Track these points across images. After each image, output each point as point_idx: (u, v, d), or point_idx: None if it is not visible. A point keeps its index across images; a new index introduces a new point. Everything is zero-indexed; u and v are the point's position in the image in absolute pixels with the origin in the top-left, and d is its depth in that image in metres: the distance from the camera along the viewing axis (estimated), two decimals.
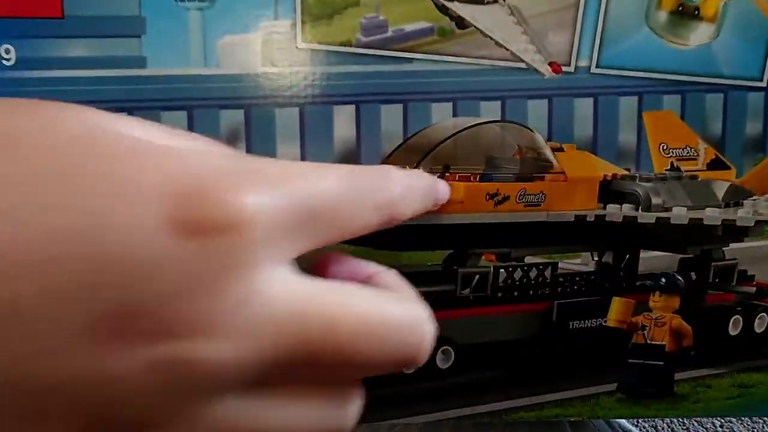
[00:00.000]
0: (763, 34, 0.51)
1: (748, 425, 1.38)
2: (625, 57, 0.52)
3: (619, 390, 0.56)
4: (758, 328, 0.57)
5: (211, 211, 0.19)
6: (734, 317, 0.56)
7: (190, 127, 0.52)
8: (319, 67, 0.51)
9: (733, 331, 0.56)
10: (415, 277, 0.57)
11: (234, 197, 0.19)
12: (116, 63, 0.50)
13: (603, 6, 0.51)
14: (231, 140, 0.52)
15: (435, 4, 0.51)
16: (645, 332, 0.55)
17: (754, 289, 0.56)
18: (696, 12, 0.51)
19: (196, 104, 0.51)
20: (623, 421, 0.63)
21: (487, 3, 0.51)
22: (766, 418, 1.34)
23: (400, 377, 0.55)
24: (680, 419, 1.47)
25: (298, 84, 0.51)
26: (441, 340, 0.55)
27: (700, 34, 0.51)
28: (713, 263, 0.55)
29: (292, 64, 0.51)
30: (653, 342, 0.56)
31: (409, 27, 0.51)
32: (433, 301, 0.55)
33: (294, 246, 0.22)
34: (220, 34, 0.50)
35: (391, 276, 0.30)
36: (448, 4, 0.50)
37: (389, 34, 0.51)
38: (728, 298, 0.56)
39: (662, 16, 0.51)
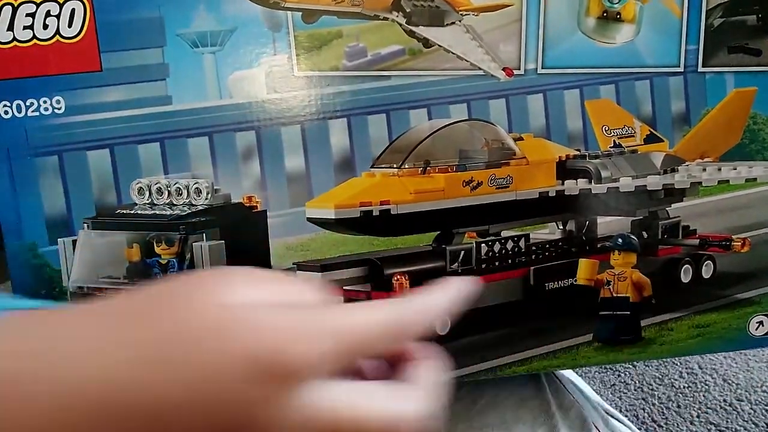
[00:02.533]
0: (675, 29, 0.59)
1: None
2: (565, 58, 0.59)
3: (594, 339, 0.62)
4: (705, 274, 0.63)
5: (274, 368, 0.25)
6: (684, 267, 0.63)
7: (212, 149, 0.59)
8: (314, 90, 0.58)
9: (684, 278, 0.63)
10: (411, 257, 0.64)
11: (292, 351, 0.25)
12: (147, 103, 0.58)
13: (542, 17, 0.58)
14: (246, 156, 0.59)
15: (404, 30, 0.58)
16: (610, 287, 0.62)
17: (698, 241, 0.62)
18: (618, 16, 0.59)
19: (215, 130, 0.58)
20: (602, 402, 0.68)
21: (447, 25, 0.58)
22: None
23: None
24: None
25: (298, 106, 0.58)
26: None
27: (624, 34, 0.59)
28: (660, 222, 0.62)
29: (292, 90, 0.58)
30: (619, 295, 0.62)
31: (384, 50, 0.58)
32: (429, 276, 0.61)
33: (334, 368, 0.27)
34: (230, 71, 0.58)
35: (425, 368, 0.31)
36: (415, 29, 0.58)
37: (369, 57, 0.58)
38: (676, 251, 0.63)
39: (591, 21, 0.59)
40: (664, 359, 1.44)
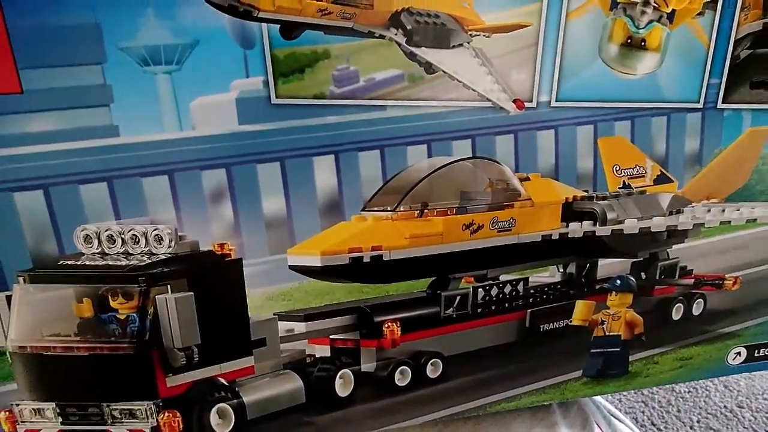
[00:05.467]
0: (700, 60, 0.33)
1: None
2: (581, 90, 0.33)
3: (584, 375, 0.39)
4: (695, 311, 0.40)
5: None
6: (676, 305, 0.39)
7: (173, 190, 0.31)
8: (296, 121, 0.31)
9: (675, 316, 0.39)
10: (403, 304, 0.39)
11: None
12: (87, 134, 0.29)
13: (560, 42, 0.31)
14: (216, 198, 0.31)
15: (404, 52, 0.31)
16: (604, 326, 0.38)
17: (693, 281, 0.38)
18: (643, 43, 0.32)
19: (176, 168, 0.30)
20: (604, 402, 0.45)
21: (453, 47, 0.31)
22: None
23: (398, 390, 0.36)
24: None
25: (277, 139, 0.31)
26: (430, 355, 0.37)
27: (646, 64, 0.33)
28: (659, 263, 0.38)
29: (269, 120, 0.30)
30: (611, 333, 0.38)
31: (379, 75, 0.31)
32: (422, 323, 0.36)
33: None
34: (191, 96, 0.29)
35: None
36: (416, 51, 0.30)
37: (361, 83, 0.31)
38: (671, 290, 0.39)
39: (613, 48, 0.32)
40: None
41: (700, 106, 0.35)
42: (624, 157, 0.35)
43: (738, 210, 0.37)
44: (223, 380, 0.34)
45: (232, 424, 0.34)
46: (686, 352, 0.40)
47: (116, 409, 0.33)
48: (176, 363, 0.33)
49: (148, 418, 0.33)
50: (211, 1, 0.28)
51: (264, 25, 0.30)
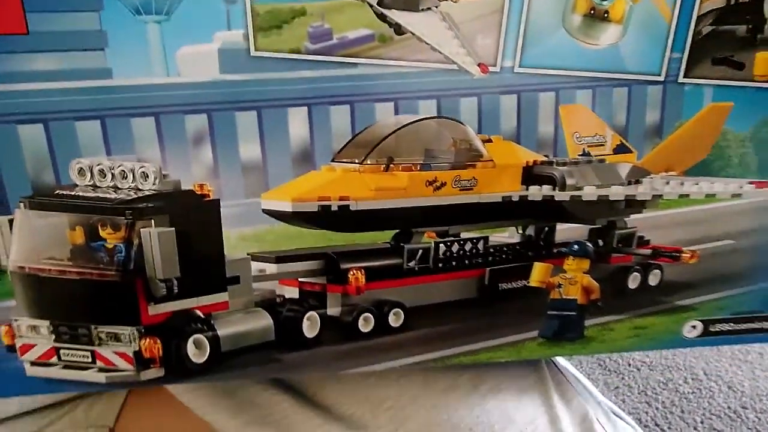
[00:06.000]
0: (663, 34, 0.34)
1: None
2: (544, 57, 0.34)
3: (540, 336, 0.39)
4: (652, 281, 0.40)
5: None
6: (633, 274, 0.40)
7: (158, 132, 0.33)
8: (273, 73, 0.32)
9: (632, 285, 0.40)
10: (368, 253, 0.40)
11: None
12: (83, 75, 0.31)
13: (525, 10, 0.32)
14: (197, 141, 0.33)
15: (375, 13, 0.32)
16: (561, 289, 0.39)
17: (650, 251, 0.39)
18: (606, 15, 0.33)
19: (162, 110, 0.33)
20: (606, 401, 0.45)
21: (422, 10, 0.32)
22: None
23: (362, 335, 0.38)
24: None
25: (255, 90, 0.32)
26: (393, 304, 0.38)
27: (609, 35, 0.33)
28: (617, 231, 0.38)
29: (248, 72, 0.32)
30: (567, 297, 0.39)
31: (352, 34, 0.32)
32: (386, 273, 0.38)
33: None
34: (178, 45, 0.31)
35: None
36: (387, 12, 0.32)
37: (334, 41, 0.32)
38: (628, 259, 0.40)
39: (576, 19, 0.33)
40: (646, 353, 0.98)
41: (661, 79, 0.35)
42: (584, 125, 0.36)
43: (697, 184, 0.37)
44: (199, 313, 0.37)
45: (207, 354, 0.36)
46: (641, 321, 0.41)
47: (102, 332, 0.35)
48: (158, 293, 0.35)
49: (131, 343, 0.36)
50: None
51: None
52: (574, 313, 0.40)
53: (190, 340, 0.36)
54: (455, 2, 0.33)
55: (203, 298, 0.36)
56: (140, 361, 0.35)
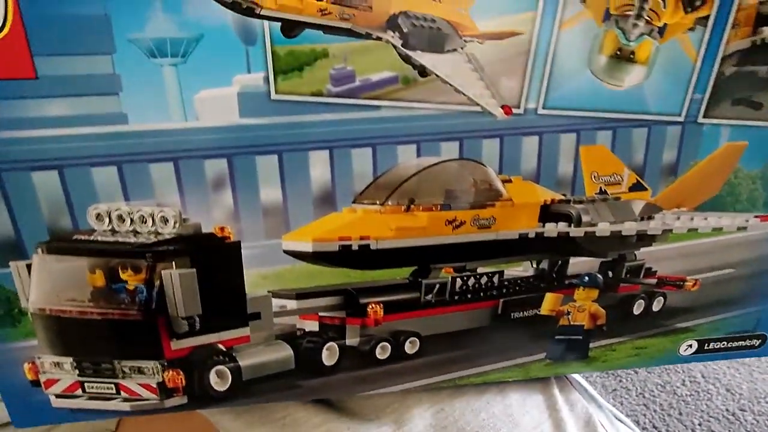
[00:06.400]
0: (686, 74, 0.33)
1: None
2: (568, 99, 0.33)
3: (547, 358, 0.41)
4: (655, 307, 0.41)
5: None
6: (638, 301, 0.40)
7: (177, 177, 0.32)
8: (294, 117, 0.31)
9: (636, 311, 0.41)
10: (386, 289, 0.40)
11: None
12: (98, 120, 0.30)
13: (551, 52, 0.31)
14: (217, 185, 0.32)
15: (399, 55, 0.31)
16: (569, 316, 0.40)
17: (656, 281, 0.40)
18: (632, 56, 0.32)
19: (181, 156, 0.31)
20: (607, 404, 0.46)
21: (447, 51, 0.31)
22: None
23: (380, 361, 0.38)
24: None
25: (275, 134, 0.31)
26: (409, 334, 0.39)
27: (634, 76, 0.33)
28: (626, 263, 0.39)
29: (268, 115, 0.31)
30: (575, 323, 0.40)
31: (375, 76, 0.31)
32: (403, 306, 0.38)
33: None
34: (196, 88, 0.30)
35: None
36: (412, 54, 0.30)
37: (357, 83, 0.31)
38: (635, 288, 0.40)
39: (602, 60, 0.32)
40: (655, 367, 0.94)
41: (681, 119, 0.35)
42: (603, 165, 0.35)
43: (705, 219, 0.38)
44: (221, 346, 0.37)
45: (229, 383, 0.37)
46: (642, 342, 0.42)
47: (126, 366, 0.35)
48: (180, 329, 0.35)
49: (154, 375, 0.36)
50: None
51: (266, 22, 0.30)
52: (580, 337, 0.41)
53: (213, 370, 0.36)
54: (481, 44, 0.31)
55: (225, 333, 0.36)
56: (164, 390, 0.36)
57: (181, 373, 0.36)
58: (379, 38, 0.30)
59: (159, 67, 0.29)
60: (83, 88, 0.29)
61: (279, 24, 0.29)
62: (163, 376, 0.35)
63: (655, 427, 0.78)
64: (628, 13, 0.31)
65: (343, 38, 0.30)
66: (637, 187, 0.36)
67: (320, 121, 0.32)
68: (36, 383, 0.36)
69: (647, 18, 0.31)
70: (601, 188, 0.36)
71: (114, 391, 0.36)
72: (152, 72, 0.29)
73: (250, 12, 0.28)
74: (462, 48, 0.31)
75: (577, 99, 0.33)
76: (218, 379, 0.37)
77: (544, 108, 0.33)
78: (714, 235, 0.38)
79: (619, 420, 0.45)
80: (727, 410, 0.83)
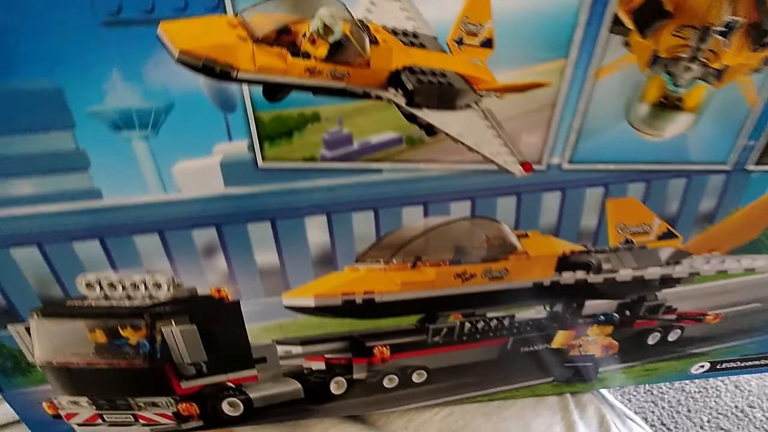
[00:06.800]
0: (740, 120, 0.28)
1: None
2: (598, 151, 0.28)
3: (555, 381, 0.40)
4: (671, 338, 0.39)
5: None
6: (654, 333, 0.39)
7: (165, 246, 0.29)
8: (286, 184, 0.27)
9: (651, 342, 0.39)
10: (392, 334, 0.39)
11: None
12: (69, 197, 0.26)
13: (582, 104, 0.26)
14: (209, 252, 0.30)
15: (403, 114, 0.26)
16: (581, 348, 0.38)
17: (675, 316, 0.37)
18: (678, 102, 0.27)
19: (166, 227, 0.28)
20: (617, 403, 0.45)
21: (460, 108, 0.26)
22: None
23: (388, 390, 0.38)
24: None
25: (267, 201, 0.28)
26: (416, 367, 0.38)
27: (678, 125, 0.27)
28: (645, 303, 0.36)
29: (257, 183, 0.27)
30: (586, 353, 0.39)
31: (375, 138, 0.26)
32: (410, 347, 0.37)
33: None
34: (172, 160, 0.26)
35: None
36: (418, 113, 0.26)
37: (355, 147, 0.26)
38: (652, 323, 0.38)
39: (643, 108, 0.27)
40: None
41: (728, 168, 0.30)
42: (631, 216, 0.31)
43: (738, 261, 0.34)
44: (231, 384, 0.37)
45: (241, 410, 0.37)
46: (653, 366, 0.41)
47: (141, 401, 0.36)
48: (187, 373, 0.35)
49: (168, 407, 0.36)
50: (184, 61, 0.23)
51: (245, 85, 0.25)
52: (590, 364, 0.40)
53: (224, 401, 0.37)
54: (500, 98, 0.26)
55: (232, 374, 0.36)
56: (180, 417, 0.37)
57: (194, 404, 0.36)
58: (379, 97, 0.25)
59: (128, 140, 0.25)
60: (48, 166, 0.26)
61: (261, 86, 0.24)
62: (177, 408, 0.36)
63: (663, 424, 0.77)
64: (681, 55, 0.25)
65: (337, 100, 0.25)
66: (666, 236, 0.32)
67: (315, 187, 0.28)
68: (58, 416, 0.37)
69: (704, 60, 0.25)
70: (626, 239, 0.32)
71: (132, 420, 0.37)
72: (121, 145, 0.25)
73: (225, 76, 0.23)
74: (477, 103, 0.26)
75: (607, 152, 0.28)
76: (230, 408, 0.37)
77: (570, 163, 0.28)
78: (745, 274, 0.35)
79: (630, 419, 0.44)
80: (735, 407, 0.80)
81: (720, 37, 0.25)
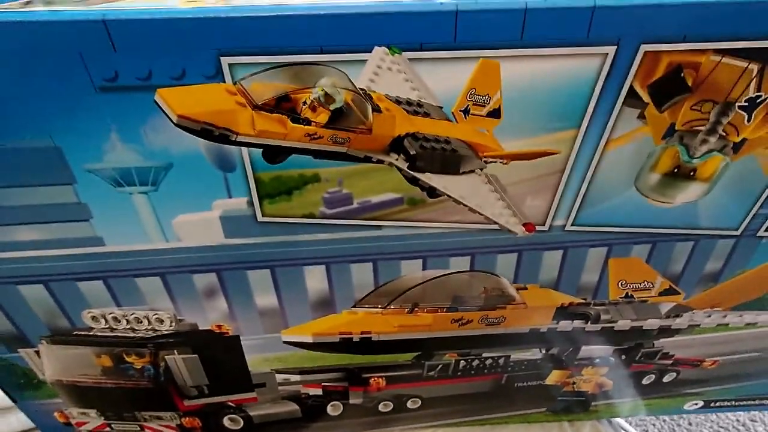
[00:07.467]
0: (757, 191, 0.27)
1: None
2: (603, 215, 0.27)
3: (547, 411, 0.41)
4: (666, 380, 0.39)
5: None
6: (649, 375, 0.39)
7: (167, 287, 0.30)
8: (285, 237, 0.27)
9: (646, 382, 0.39)
10: (388, 368, 0.39)
11: None
12: (73, 243, 0.27)
13: (591, 171, 0.25)
14: (209, 294, 0.30)
15: (405, 177, 0.25)
16: (574, 386, 0.39)
17: (671, 362, 0.37)
18: (692, 173, 0.26)
19: (167, 271, 0.29)
20: (619, 420, 0.45)
21: (463, 173, 0.25)
22: None
23: (383, 413, 0.40)
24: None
25: (266, 251, 0.28)
26: (411, 395, 0.39)
27: (689, 194, 0.26)
28: (642, 350, 0.36)
29: (256, 235, 0.27)
30: (579, 390, 0.39)
31: (376, 198, 0.26)
32: (405, 380, 0.37)
33: None
34: (172, 214, 0.26)
35: None
36: (420, 176, 0.25)
37: (355, 206, 0.26)
38: (648, 367, 0.38)
39: (654, 178, 0.26)
40: None
41: (737, 233, 0.29)
42: (633, 274, 0.31)
43: (741, 316, 0.34)
44: (231, 403, 0.38)
45: (242, 425, 0.39)
46: (647, 401, 0.41)
47: (146, 415, 0.38)
48: (190, 394, 0.36)
49: (172, 420, 0.38)
50: (182, 125, 0.23)
51: (244, 149, 0.24)
52: (583, 398, 0.40)
53: (226, 417, 0.38)
54: (505, 164, 0.25)
55: (233, 396, 0.37)
56: (184, 429, 0.39)
57: (197, 418, 0.38)
58: (380, 161, 0.25)
59: (128, 195, 0.25)
60: (50, 216, 0.26)
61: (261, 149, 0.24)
62: (181, 421, 0.38)
63: None
64: (698, 128, 0.24)
65: (337, 163, 0.25)
66: (668, 293, 0.32)
67: (314, 240, 0.28)
68: (69, 424, 0.39)
69: (723, 133, 0.24)
70: (627, 294, 0.32)
71: (138, 429, 0.39)
72: (121, 199, 0.25)
73: (224, 139, 0.23)
74: (481, 169, 0.25)
75: (614, 215, 0.28)
76: (231, 422, 0.39)
77: (573, 225, 0.28)
78: (745, 328, 0.34)
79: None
80: (737, 420, 0.77)
81: (742, 112, 0.23)
